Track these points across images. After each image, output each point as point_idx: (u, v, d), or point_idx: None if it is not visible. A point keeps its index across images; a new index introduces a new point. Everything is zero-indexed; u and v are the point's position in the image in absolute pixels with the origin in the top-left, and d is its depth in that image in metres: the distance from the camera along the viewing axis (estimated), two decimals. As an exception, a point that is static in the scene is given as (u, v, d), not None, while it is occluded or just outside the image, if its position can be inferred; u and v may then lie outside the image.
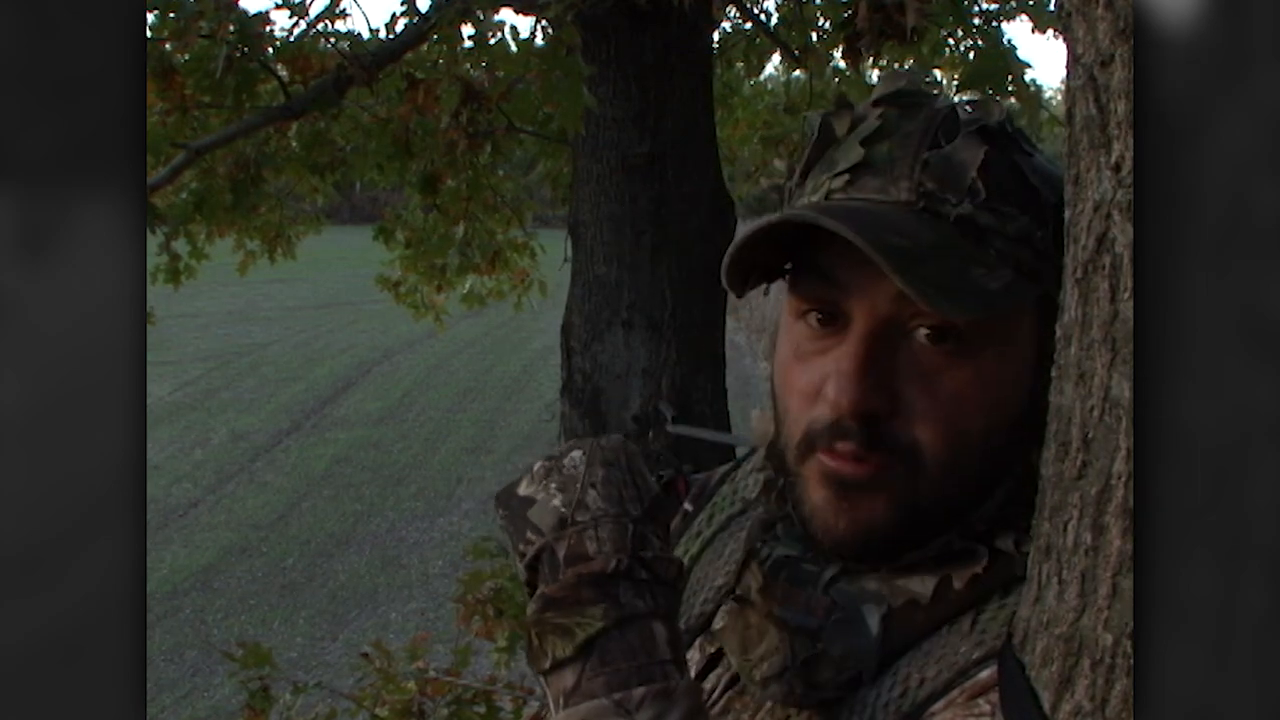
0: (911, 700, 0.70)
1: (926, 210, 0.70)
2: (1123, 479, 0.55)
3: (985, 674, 0.68)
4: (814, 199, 0.75)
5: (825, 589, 0.75)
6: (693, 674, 0.82)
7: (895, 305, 0.70)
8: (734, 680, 0.79)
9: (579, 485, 0.75)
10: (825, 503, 0.73)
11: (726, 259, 0.72)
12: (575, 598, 0.70)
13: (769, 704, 0.76)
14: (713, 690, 0.81)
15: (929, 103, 0.74)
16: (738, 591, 0.80)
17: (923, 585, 0.73)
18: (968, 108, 0.74)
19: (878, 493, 0.72)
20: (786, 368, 0.76)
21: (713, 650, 0.82)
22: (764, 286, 0.78)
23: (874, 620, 0.73)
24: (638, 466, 0.77)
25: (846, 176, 0.73)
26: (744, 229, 0.73)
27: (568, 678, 0.69)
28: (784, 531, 0.79)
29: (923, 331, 0.70)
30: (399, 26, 2.97)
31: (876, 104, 0.75)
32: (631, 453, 0.78)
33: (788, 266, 0.76)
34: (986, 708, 0.66)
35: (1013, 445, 0.72)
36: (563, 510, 0.74)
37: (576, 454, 0.77)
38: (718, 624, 0.82)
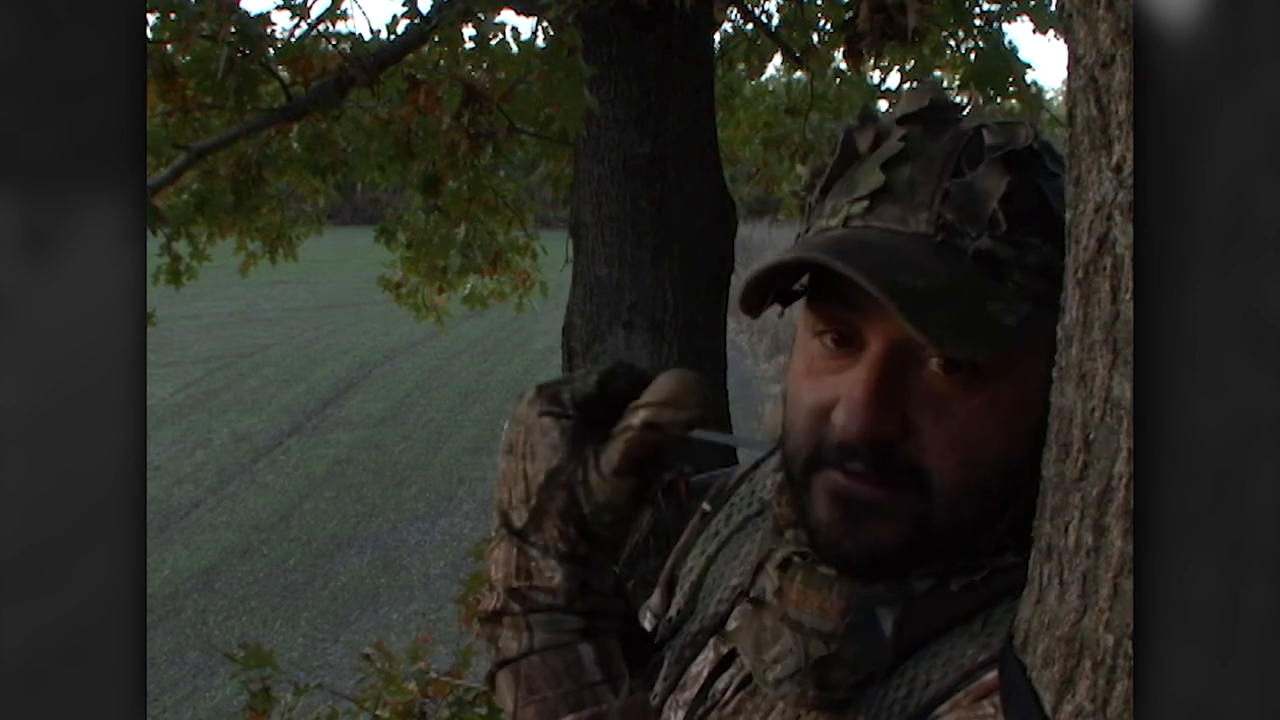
0: (917, 701, 0.70)
1: (945, 244, 0.69)
2: (1124, 480, 0.54)
3: (990, 676, 0.67)
4: (832, 223, 0.74)
5: (839, 592, 0.74)
6: (704, 673, 0.82)
7: (909, 334, 0.68)
8: (746, 680, 0.79)
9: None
10: (832, 521, 0.73)
11: (743, 287, 0.72)
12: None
13: (780, 705, 0.76)
14: (725, 690, 0.81)
15: (955, 122, 0.73)
16: (752, 593, 0.80)
17: (920, 582, 0.73)
18: (994, 128, 0.73)
19: (888, 517, 0.71)
20: (798, 382, 0.75)
21: (726, 650, 0.82)
22: (779, 308, 0.77)
23: (888, 624, 0.72)
24: (532, 441, 0.75)
25: (866, 203, 0.72)
26: (759, 262, 0.72)
27: (506, 699, 0.71)
28: (794, 536, 0.78)
29: (935, 361, 0.69)
30: (400, 28, 2.97)
31: (902, 121, 0.73)
32: (530, 424, 0.75)
33: (803, 282, 0.75)
34: (991, 710, 0.66)
35: (1026, 468, 0.70)
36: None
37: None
38: (731, 624, 0.82)
